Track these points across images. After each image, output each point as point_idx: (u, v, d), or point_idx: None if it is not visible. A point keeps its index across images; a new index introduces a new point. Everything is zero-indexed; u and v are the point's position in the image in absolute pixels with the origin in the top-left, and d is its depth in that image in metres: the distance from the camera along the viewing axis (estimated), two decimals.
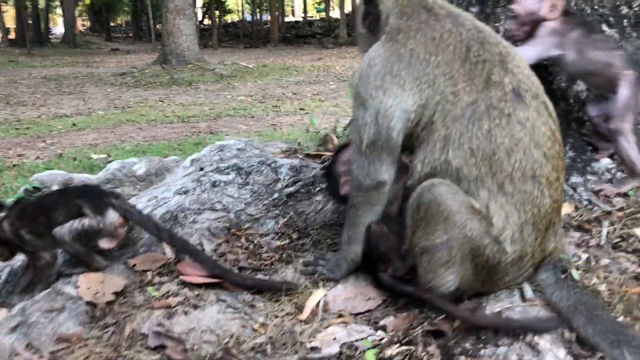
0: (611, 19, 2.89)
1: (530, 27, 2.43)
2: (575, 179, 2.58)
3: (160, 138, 9.35)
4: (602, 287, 1.90)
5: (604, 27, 2.87)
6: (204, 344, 1.87)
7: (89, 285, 2.12)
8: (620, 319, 1.78)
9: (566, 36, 2.39)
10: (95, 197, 2.29)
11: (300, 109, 11.25)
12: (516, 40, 2.44)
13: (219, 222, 2.55)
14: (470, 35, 1.88)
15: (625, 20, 2.90)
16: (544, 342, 1.64)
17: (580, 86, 2.78)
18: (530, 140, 1.77)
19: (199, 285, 2.16)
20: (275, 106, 11.20)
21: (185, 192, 2.65)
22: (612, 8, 2.90)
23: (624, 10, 2.91)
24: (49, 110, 11.22)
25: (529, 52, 2.31)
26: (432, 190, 1.73)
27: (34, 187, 4.72)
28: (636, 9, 2.87)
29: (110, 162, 8.64)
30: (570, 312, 1.74)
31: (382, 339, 1.81)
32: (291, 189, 2.74)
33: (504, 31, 2.72)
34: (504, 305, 1.82)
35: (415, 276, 1.91)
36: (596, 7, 2.88)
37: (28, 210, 2.28)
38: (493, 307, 1.83)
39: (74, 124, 9.52)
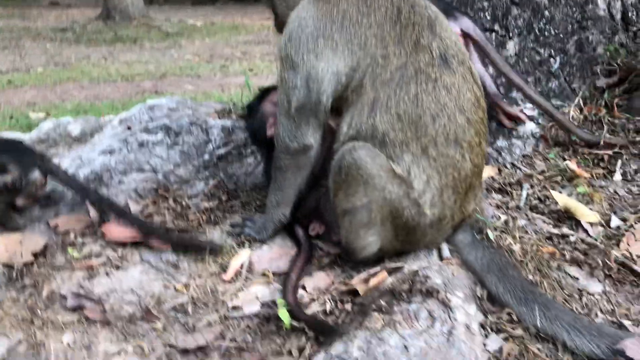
0: None
1: None
2: (500, 142, 2.66)
3: (103, 97, 9.02)
4: (516, 247, 1.97)
5: None
6: (124, 305, 1.85)
7: (6, 246, 2.06)
8: (531, 277, 1.86)
9: None
10: (21, 154, 2.21)
11: (250, 69, 11.04)
12: None
13: (146, 183, 2.51)
14: None
15: None
16: (455, 298, 1.70)
17: (510, 51, 2.84)
18: (455, 105, 1.79)
19: (122, 245, 2.13)
20: (223, 66, 10.96)
21: (111, 152, 2.59)
22: None
23: None
24: None
25: None
26: (352, 154, 1.74)
27: None
28: None
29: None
30: (484, 271, 1.81)
31: (302, 297, 1.83)
32: (222, 151, 2.71)
33: None
34: (421, 264, 1.87)
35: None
36: None
37: None
38: (411, 266, 1.87)
39: (10, 81, 9.09)
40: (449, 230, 1.92)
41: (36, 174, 2.20)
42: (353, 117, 1.81)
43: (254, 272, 2.01)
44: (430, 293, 1.69)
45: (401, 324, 1.57)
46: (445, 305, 1.66)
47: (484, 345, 1.60)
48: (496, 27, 2.84)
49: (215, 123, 2.86)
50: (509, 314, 1.69)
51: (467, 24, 2.49)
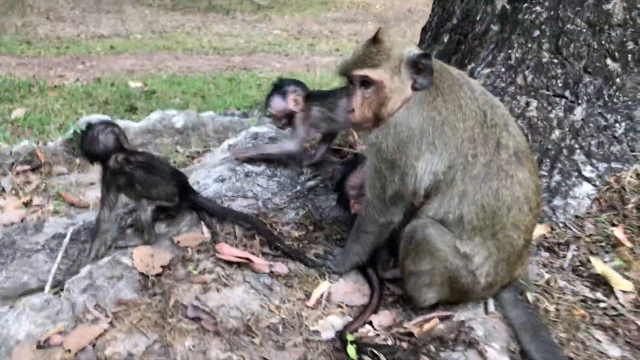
0: (616, 54, 3.18)
1: (286, 119, 3.18)
2: (557, 201, 2.98)
3: (196, 70, 9.58)
4: (552, 308, 2.35)
5: (608, 62, 3.17)
6: (230, 319, 2.38)
7: (142, 258, 2.64)
8: (561, 335, 2.24)
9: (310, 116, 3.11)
10: (184, 186, 2.85)
11: (336, 49, 11.33)
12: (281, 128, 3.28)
13: (249, 208, 3.03)
14: (483, 100, 2.23)
15: (629, 55, 3.19)
16: (492, 350, 2.11)
17: (577, 116, 3.13)
18: (524, 198, 2.17)
19: (230, 264, 2.66)
20: (311, 44, 11.34)
21: (222, 180, 3.13)
22: (619, 43, 3.18)
23: (630, 45, 3.19)
24: (87, 29, 11.56)
25: (300, 136, 3.11)
26: (424, 230, 2.16)
27: (82, 131, 5.26)
28: None
29: (146, 91, 9.10)
30: (520, 329, 2.21)
31: (368, 332, 2.30)
32: (312, 183, 3.19)
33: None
34: (468, 315, 2.29)
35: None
36: (604, 42, 3.17)
37: (142, 171, 2.79)
38: (460, 315, 2.29)
39: (112, 47, 9.82)
40: (498, 290, 2.32)
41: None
42: (442, 204, 2.18)
43: (331, 301, 2.49)
44: (471, 344, 2.11)
45: None
46: (482, 355, 2.08)
47: None
48: (566, 94, 3.12)
49: (307, 156, 3.34)
50: None
51: None
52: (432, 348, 2.12)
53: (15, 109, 7.70)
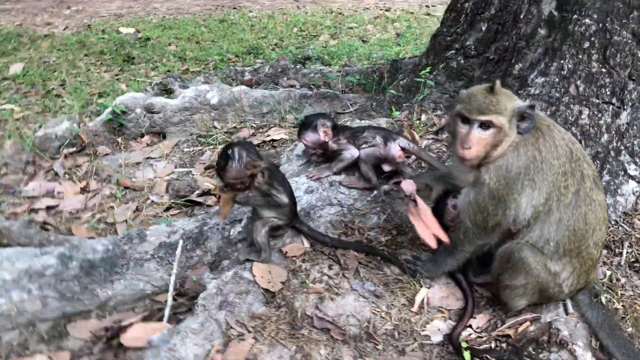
0: None
1: (320, 149, 3.69)
2: (608, 200, 3.41)
3: (185, 11, 9.49)
4: (619, 305, 2.83)
5: None
6: (350, 327, 2.81)
7: (262, 274, 3.02)
8: (629, 329, 2.73)
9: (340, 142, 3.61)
10: (292, 213, 3.20)
11: None
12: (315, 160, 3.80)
13: (337, 215, 3.41)
14: (568, 138, 2.61)
15: None
16: (579, 349, 2.58)
17: (622, 120, 3.52)
18: (603, 217, 2.60)
19: (336, 274, 3.06)
20: None
21: (311, 192, 3.48)
22: None
23: None
24: None
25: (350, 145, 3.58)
26: (520, 252, 2.58)
27: (122, 111, 5.52)
28: None
29: (139, 38, 9.03)
30: (598, 328, 2.68)
31: (470, 334, 2.75)
32: (386, 187, 3.56)
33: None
34: (553, 316, 2.75)
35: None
36: None
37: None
38: (546, 316, 2.76)
39: None
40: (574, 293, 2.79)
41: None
42: (542, 230, 2.59)
43: (431, 306, 2.93)
44: (562, 344, 2.58)
45: None
46: (573, 354, 2.56)
47: None
48: (614, 100, 3.50)
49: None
50: None
51: (404, 142, 3.53)
52: (531, 350, 2.58)
53: (12, 64, 7.74)
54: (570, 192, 2.55)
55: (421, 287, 2.99)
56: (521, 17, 4.10)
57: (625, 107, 3.49)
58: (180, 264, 3.35)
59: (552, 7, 3.80)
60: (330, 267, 3.12)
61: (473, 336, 2.75)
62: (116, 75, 7.81)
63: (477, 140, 2.57)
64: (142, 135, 5.57)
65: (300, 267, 3.12)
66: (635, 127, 3.51)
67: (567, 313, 2.78)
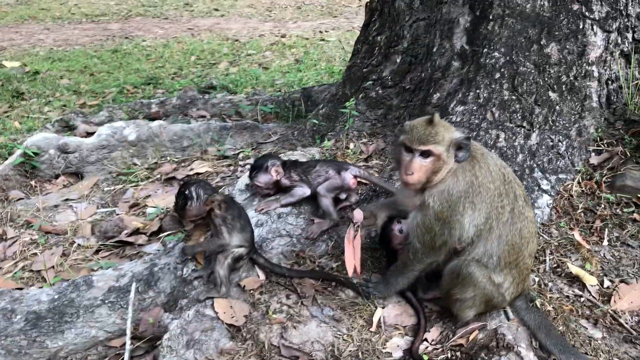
0: (555, 86, 4.01)
1: (273, 188, 3.87)
2: None
3: (74, 42, 9.24)
4: (550, 307, 3.18)
5: (550, 94, 4.00)
6: (316, 352, 2.96)
7: (224, 310, 3.11)
8: (560, 328, 3.08)
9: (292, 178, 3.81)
10: (251, 248, 3.30)
11: (215, 9, 11.20)
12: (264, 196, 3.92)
13: (287, 246, 3.56)
14: (500, 164, 2.94)
15: (563, 86, 4.05)
16: (523, 350, 2.88)
17: (532, 141, 3.95)
18: (534, 231, 2.93)
19: (295, 303, 3.21)
20: (187, 4, 11.17)
21: (261, 225, 3.61)
22: (556, 78, 4.02)
23: (564, 78, 4.05)
24: None
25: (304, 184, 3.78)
26: (468, 268, 2.86)
27: (34, 153, 5.37)
28: None
29: (27, 72, 8.60)
30: (536, 329, 3.00)
31: (427, 347, 2.99)
32: (335, 217, 3.76)
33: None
34: (497, 323, 3.05)
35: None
36: (546, 78, 3.99)
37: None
38: (490, 323, 3.05)
39: None
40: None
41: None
42: (486, 247, 2.87)
43: (387, 324, 3.15)
44: (509, 347, 2.87)
45: None
46: (519, 356, 2.85)
47: None
48: (524, 124, 3.93)
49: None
50: (554, 359, 2.92)
51: (355, 170, 3.81)
52: (483, 355, 2.85)
53: None
54: (506, 211, 2.87)
55: (376, 307, 3.20)
56: (434, 50, 4.49)
57: (534, 129, 3.93)
58: (133, 307, 3.35)
59: (463, 42, 4.20)
60: (288, 297, 3.25)
61: (430, 349, 2.98)
62: (5, 112, 7.47)
63: (418, 167, 2.83)
64: (57, 177, 5.42)
65: (260, 299, 3.23)
66: (543, 147, 3.95)
67: (508, 319, 3.09)
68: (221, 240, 3.20)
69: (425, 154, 2.81)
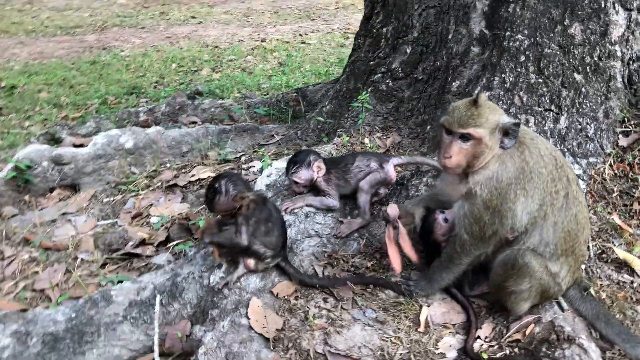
0: (580, 68, 3.87)
1: (309, 186, 3.64)
2: None
3: (50, 55, 9.05)
4: (603, 295, 3.02)
5: (575, 75, 3.85)
6: (365, 358, 2.76)
7: (257, 317, 2.89)
8: (618, 316, 2.92)
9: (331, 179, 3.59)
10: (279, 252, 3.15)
11: (192, 17, 11.07)
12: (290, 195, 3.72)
13: (317, 247, 3.35)
14: (550, 147, 2.76)
15: (587, 68, 3.91)
16: (585, 342, 2.71)
17: (561, 125, 3.80)
18: (587, 215, 2.76)
19: (334, 307, 3.00)
20: (163, 12, 11.04)
21: (289, 226, 3.39)
22: (581, 59, 3.88)
23: (587, 59, 3.91)
24: None
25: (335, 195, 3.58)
26: (524, 257, 2.68)
27: (26, 166, 5.10)
28: None
29: (3, 87, 8.31)
30: (594, 319, 2.84)
31: (481, 345, 2.81)
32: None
33: None
34: (551, 315, 2.88)
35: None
36: (571, 60, 3.85)
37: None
38: (545, 316, 2.87)
39: None
40: None
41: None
42: (542, 234, 2.69)
43: (435, 323, 2.96)
44: (571, 340, 2.70)
45: None
46: (582, 348, 2.68)
47: None
48: (552, 107, 3.78)
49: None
50: (618, 349, 2.75)
51: (396, 160, 3.63)
52: (545, 349, 2.68)
53: None
54: (560, 196, 2.70)
55: (421, 306, 3.01)
56: (449, 37, 4.33)
57: (562, 112, 3.78)
58: (158, 322, 3.12)
59: (482, 27, 4.04)
60: (325, 301, 3.05)
61: (485, 346, 2.80)
62: None
63: (457, 151, 2.66)
64: (52, 190, 5.17)
65: (296, 305, 3.03)
66: (572, 130, 3.80)
67: (562, 310, 2.92)
68: (237, 239, 3.02)
69: (466, 137, 2.64)
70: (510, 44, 3.83)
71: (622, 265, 3.24)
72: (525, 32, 3.82)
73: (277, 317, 2.91)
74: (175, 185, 5.07)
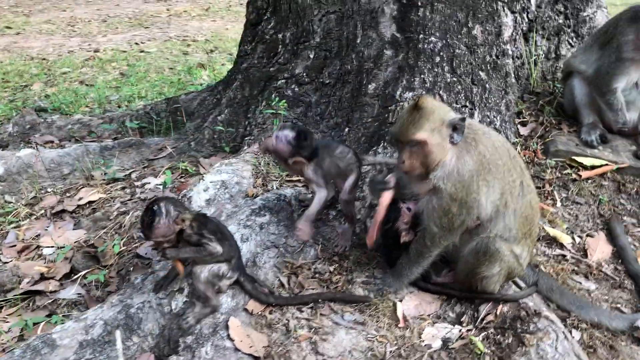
0: (483, 66, 4.22)
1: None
2: None
3: None
4: (546, 270, 3.33)
5: (481, 73, 4.19)
6: None
7: (241, 338, 2.75)
8: (562, 286, 3.23)
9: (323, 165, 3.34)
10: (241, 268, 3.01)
11: (7, 27, 10.37)
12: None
13: (277, 257, 3.27)
14: (502, 140, 2.96)
15: (488, 65, 4.27)
16: (549, 313, 2.96)
17: (475, 119, 4.10)
18: (538, 200, 3.01)
19: (310, 316, 2.96)
20: None
21: (247, 239, 3.26)
22: (483, 58, 4.23)
23: (488, 58, 4.27)
24: None
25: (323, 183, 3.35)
26: (495, 244, 2.84)
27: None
28: None
29: None
30: (548, 292, 3.11)
31: (460, 331, 2.94)
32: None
33: None
34: (509, 291, 3.10)
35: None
36: (476, 59, 4.17)
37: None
38: (506, 292, 3.08)
39: None
40: None
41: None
42: (505, 221, 2.85)
43: (411, 317, 3.04)
44: (538, 314, 2.93)
45: (543, 338, 2.79)
46: (548, 319, 2.92)
47: (573, 337, 2.93)
48: (467, 103, 4.07)
49: (287, 193, 3.65)
50: (575, 316, 3.04)
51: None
52: (519, 325, 2.87)
53: None
54: (517, 185, 2.91)
55: (394, 303, 3.07)
56: (357, 41, 4.46)
57: (475, 107, 4.09)
58: (114, 359, 2.84)
59: (394, 30, 4.23)
60: (300, 310, 3.00)
61: (464, 331, 2.93)
62: None
63: (409, 156, 2.80)
64: None
65: (273, 319, 2.94)
66: (484, 124, 4.12)
67: (520, 288, 3.16)
68: (211, 249, 2.85)
69: (413, 143, 2.76)
70: (425, 46, 4.05)
71: (552, 241, 3.58)
72: (437, 34, 4.07)
73: (260, 335, 2.79)
74: (64, 211, 4.63)
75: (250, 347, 2.71)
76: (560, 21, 4.73)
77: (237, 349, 2.70)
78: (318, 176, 3.28)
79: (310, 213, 3.23)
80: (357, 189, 3.49)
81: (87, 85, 8.70)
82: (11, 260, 4.12)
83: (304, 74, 4.87)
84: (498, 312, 2.97)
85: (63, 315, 3.41)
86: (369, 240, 3.01)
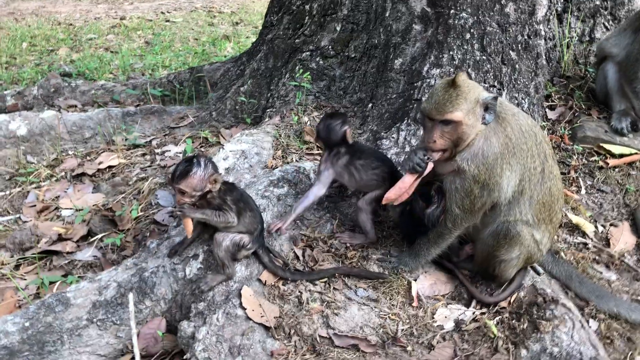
0: (514, 46, 4.09)
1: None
2: None
3: None
4: (567, 257, 3.25)
5: (511, 53, 4.07)
6: (370, 336, 2.73)
7: (253, 307, 2.74)
8: (583, 275, 3.15)
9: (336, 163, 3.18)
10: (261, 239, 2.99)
11: None
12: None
13: (293, 229, 3.24)
14: (531, 123, 2.87)
15: (519, 45, 4.15)
16: (566, 301, 2.90)
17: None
18: (561, 187, 2.92)
19: (323, 289, 2.93)
20: None
21: (264, 210, 3.23)
22: (514, 37, 4.10)
23: (519, 37, 4.14)
24: None
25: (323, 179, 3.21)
26: (516, 227, 2.77)
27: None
28: None
29: None
30: (567, 280, 3.04)
31: (475, 316, 2.89)
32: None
33: None
34: (529, 279, 3.03)
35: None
36: (508, 38, 4.06)
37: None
38: (524, 280, 3.02)
39: None
40: None
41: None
42: (520, 207, 2.79)
43: (425, 296, 3.00)
44: (556, 301, 2.87)
45: (559, 326, 2.73)
46: (565, 307, 2.86)
47: (590, 327, 2.86)
48: (495, 83, 3.96)
49: (306, 166, 3.60)
50: (593, 306, 2.98)
51: None
52: (535, 311, 2.82)
53: None
54: (537, 172, 2.81)
55: (408, 281, 3.03)
56: (386, 15, 4.35)
57: (504, 88, 3.98)
58: (126, 321, 2.85)
59: (424, 4, 4.12)
60: (314, 284, 2.97)
61: (477, 314, 2.88)
62: None
63: (440, 135, 2.70)
64: None
65: (286, 291, 2.91)
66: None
67: (538, 274, 3.09)
68: (228, 217, 2.82)
69: (446, 122, 2.67)
70: (456, 21, 3.95)
71: (574, 229, 3.50)
72: (469, 10, 3.95)
73: (272, 305, 2.78)
74: (83, 174, 4.66)
75: (262, 316, 2.69)
76: (597, 2, 4.56)
77: (248, 318, 2.68)
78: (321, 169, 3.21)
79: (295, 206, 3.20)
80: (378, 207, 3.25)
81: (112, 52, 8.75)
82: (31, 220, 4.16)
83: (330, 47, 4.79)
84: (514, 297, 2.91)
85: (79, 276, 3.44)
86: (386, 200, 2.86)
